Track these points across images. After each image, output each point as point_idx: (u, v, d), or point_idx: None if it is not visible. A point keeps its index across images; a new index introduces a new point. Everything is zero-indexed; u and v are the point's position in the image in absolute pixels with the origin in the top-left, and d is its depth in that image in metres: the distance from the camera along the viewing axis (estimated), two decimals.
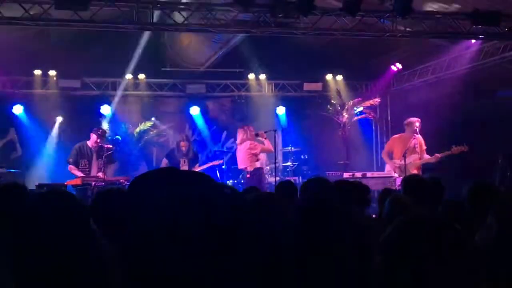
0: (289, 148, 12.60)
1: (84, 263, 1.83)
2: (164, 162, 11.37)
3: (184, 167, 10.84)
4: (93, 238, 1.96)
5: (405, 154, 10.26)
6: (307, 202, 2.19)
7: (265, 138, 10.91)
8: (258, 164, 10.84)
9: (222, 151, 13.61)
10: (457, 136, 11.23)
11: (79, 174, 10.23)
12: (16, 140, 12.80)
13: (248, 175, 10.63)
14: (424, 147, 10.71)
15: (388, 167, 10.98)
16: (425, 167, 10.68)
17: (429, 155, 10.60)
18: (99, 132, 10.55)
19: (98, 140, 10.45)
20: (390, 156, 10.91)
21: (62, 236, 1.85)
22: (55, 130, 13.27)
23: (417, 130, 10.53)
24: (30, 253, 1.81)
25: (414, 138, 10.53)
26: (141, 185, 1.58)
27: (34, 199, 2.07)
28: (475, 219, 3.97)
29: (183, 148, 11.29)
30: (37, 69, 12.94)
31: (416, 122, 10.59)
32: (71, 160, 10.43)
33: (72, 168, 10.38)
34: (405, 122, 10.83)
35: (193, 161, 11.33)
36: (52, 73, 13.02)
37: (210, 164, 11.91)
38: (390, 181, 10.16)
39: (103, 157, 10.25)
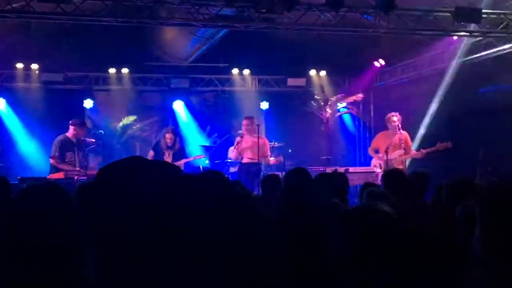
0: (273, 143, 12.61)
1: (73, 255, 1.84)
2: (151, 154, 11.28)
3: (168, 159, 10.78)
4: (82, 231, 1.96)
5: (387, 150, 10.31)
6: (289, 193, 2.23)
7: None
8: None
9: (206, 146, 13.59)
10: (439, 132, 11.35)
11: (66, 167, 10.07)
12: None
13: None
14: (410, 143, 10.79)
15: (373, 162, 11.01)
16: (412, 162, 10.78)
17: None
18: (77, 123, 10.44)
19: (77, 131, 10.34)
20: (376, 152, 10.97)
21: (52, 229, 1.85)
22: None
23: (398, 125, 10.49)
24: (21, 246, 1.81)
25: (398, 134, 10.50)
26: (107, 174, 1.60)
27: (24, 192, 2.06)
28: (453, 214, 4.03)
29: (168, 140, 11.21)
30: (19, 62, 12.84)
31: (394, 117, 10.54)
32: (57, 154, 10.17)
33: (58, 162, 10.15)
34: (386, 118, 10.84)
35: (178, 155, 11.24)
36: (35, 66, 12.92)
37: (191, 158, 11.84)
38: (372, 176, 10.23)
39: (86, 151, 10.19)
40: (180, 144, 11.76)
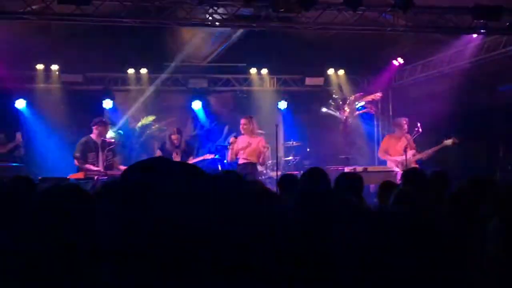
0: (291, 142, 12.63)
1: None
2: (158, 154, 11.36)
3: (177, 159, 10.80)
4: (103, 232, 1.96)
5: (406, 149, 10.42)
6: (307, 190, 2.23)
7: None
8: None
9: (224, 145, 13.62)
10: (458, 131, 11.27)
11: (91, 167, 10.17)
12: (21, 145, 12.72)
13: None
14: (414, 145, 11.02)
15: (389, 164, 11.09)
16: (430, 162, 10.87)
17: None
18: (100, 124, 10.55)
19: (102, 132, 10.46)
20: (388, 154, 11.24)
21: (74, 230, 1.86)
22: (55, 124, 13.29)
23: (406, 129, 11.02)
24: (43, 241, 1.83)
25: (405, 137, 10.98)
26: (132, 175, 1.62)
27: (47, 193, 2.07)
28: (474, 213, 4.02)
29: (175, 141, 11.23)
30: (40, 63, 12.98)
31: (404, 121, 11.14)
32: (78, 154, 10.21)
33: (80, 162, 10.25)
34: (394, 122, 11.52)
35: (186, 153, 11.25)
36: (55, 67, 13.06)
37: (202, 157, 11.77)
38: (391, 175, 10.19)
39: (106, 151, 10.28)
40: (189, 143, 11.80)
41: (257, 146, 10.65)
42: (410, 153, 10.72)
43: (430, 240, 1.61)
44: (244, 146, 10.66)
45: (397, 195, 4.23)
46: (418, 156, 10.82)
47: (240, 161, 10.68)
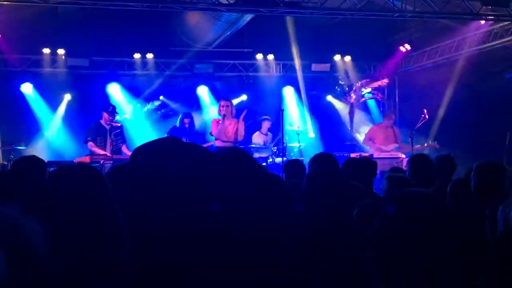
0: (295, 127, 12.55)
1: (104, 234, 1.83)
2: None
3: None
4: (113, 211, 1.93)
5: (413, 134, 10.73)
6: (315, 173, 2.23)
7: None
8: None
9: None
10: (465, 117, 11.26)
11: (100, 151, 10.22)
12: None
13: None
14: (399, 138, 11.79)
15: (372, 151, 11.48)
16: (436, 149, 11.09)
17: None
18: (109, 110, 10.55)
19: (111, 118, 10.47)
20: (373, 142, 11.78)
21: (88, 210, 1.83)
22: (61, 109, 13.32)
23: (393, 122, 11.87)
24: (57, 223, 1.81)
25: (393, 128, 11.77)
26: (143, 155, 1.61)
27: (59, 172, 2.04)
28: (481, 198, 4.01)
29: (186, 125, 11.22)
30: (46, 47, 12.97)
31: (393, 115, 12.15)
32: (89, 138, 10.31)
33: (92, 145, 10.27)
34: (385, 113, 12.32)
35: (192, 139, 11.17)
36: (61, 51, 13.03)
37: (210, 143, 11.69)
38: (397, 161, 10.20)
39: (112, 135, 10.29)
40: (197, 128, 11.76)
41: (238, 130, 10.57)
42: (391, 146, 11.34)
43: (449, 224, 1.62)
44: (223, 129, 10.55)
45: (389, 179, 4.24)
46: (405, 149, 11.25)
47: (219, 144, 10.54)
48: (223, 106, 10.66)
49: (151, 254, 1.60)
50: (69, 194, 1.85)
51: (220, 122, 10.66)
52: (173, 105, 14.10)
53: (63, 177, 1.96)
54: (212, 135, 10.91)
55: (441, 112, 12.47)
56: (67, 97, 13.28)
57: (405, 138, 11.62)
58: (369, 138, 11.88)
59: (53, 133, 13.11)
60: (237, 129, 10.63)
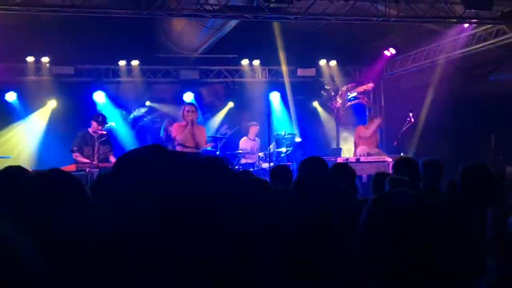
0: (282, 133, 12.54)
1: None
2: None
3: None
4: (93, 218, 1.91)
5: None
6: (304, 177, 2.23)
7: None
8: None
9: (216, 137, 13.57)
10: (449, 120, 11.32)
11: (85, 160, 10.15)
12: None
13: None
14: (377, 140, 12.45)
15: (360, 151, 11.84)
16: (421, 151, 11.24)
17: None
18: (99, 120, 10.49)
19: (99, 127, 10.41)
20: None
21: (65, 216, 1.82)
22: (45, 116, 13.21)
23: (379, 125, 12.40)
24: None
25: (376, 132, 12.28)
26: (126, 164, 1.59)
27: (34, 179, 2.02)
28: (468, 200, 4.02)
29: (170, 133, 11.18)
30: (30, 55, 12.88)
31: (378, 118, 12.40)
32: (75, 148, 10.21)
33: (77, 155, 10.18)
34: (371, 116, 12.72)
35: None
36: (45, 59, 12.96)
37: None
38: (383, 165, 10.23)
39: (98, 143, 10.23)
40: None
41: (200, 136, 10.35)
42: (361, 148, 11.78)
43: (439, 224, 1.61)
44: (187, 133, 10.20)
45: (391, 181, 4.24)
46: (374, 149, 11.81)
47: (179, 148, 10.11)
48: (188, 111, 10.30)
49: (133, 261, 1.57)
50: (43, 200, 1.84)
51: (185, 127, 10.25)
52: (163, 108, 14.02)
53: (37, 183, 1.94)
54: (175, 139, 10.46)
55: (425, 115, 12.54)
56: (52, 104, 13.18)
57: (390, 142, 11.71)
58: (359, 136, 12.15)
59: (38, 142, 13.02)
60: (203, 136, 10.54)
